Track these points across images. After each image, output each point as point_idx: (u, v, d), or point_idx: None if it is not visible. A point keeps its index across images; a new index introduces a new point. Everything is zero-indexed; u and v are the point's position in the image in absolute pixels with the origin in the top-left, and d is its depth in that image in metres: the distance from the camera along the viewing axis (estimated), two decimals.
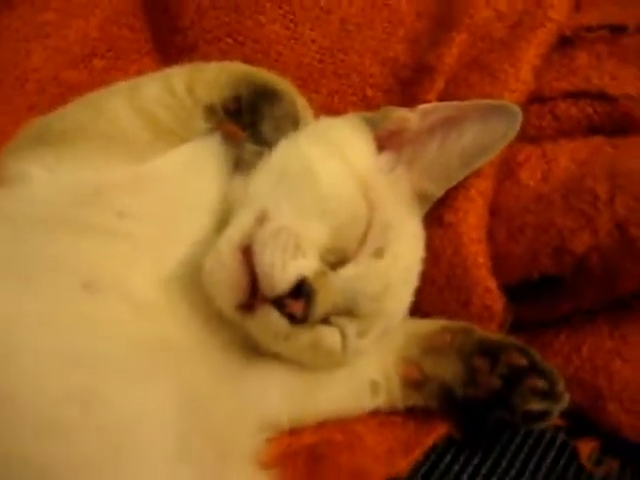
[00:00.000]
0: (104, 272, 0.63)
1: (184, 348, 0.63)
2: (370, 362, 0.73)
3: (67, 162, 0.70)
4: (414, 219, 0.74)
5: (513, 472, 0.73)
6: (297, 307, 0.61)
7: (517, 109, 0.73)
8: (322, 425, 0.74)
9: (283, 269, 0.61)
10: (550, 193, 0.73)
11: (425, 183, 0.74)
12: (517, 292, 0.76)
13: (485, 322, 0.75)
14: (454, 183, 0.74)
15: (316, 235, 0.65)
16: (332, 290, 0.64)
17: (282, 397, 0.71)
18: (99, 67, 0.90)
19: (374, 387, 0.74)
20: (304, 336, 0.65)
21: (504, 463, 0.73)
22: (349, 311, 0.67)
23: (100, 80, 0.89)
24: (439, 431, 0.74)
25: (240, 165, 0.74)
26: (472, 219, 0.75)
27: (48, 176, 0.70)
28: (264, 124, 0.72)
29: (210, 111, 0.74)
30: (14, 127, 0.82)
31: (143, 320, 0.62)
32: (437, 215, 0.76)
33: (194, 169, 0.74)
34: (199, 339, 0.65)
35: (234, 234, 0.66)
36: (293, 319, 0.62)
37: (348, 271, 0.66)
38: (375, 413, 0.75)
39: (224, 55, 0.90)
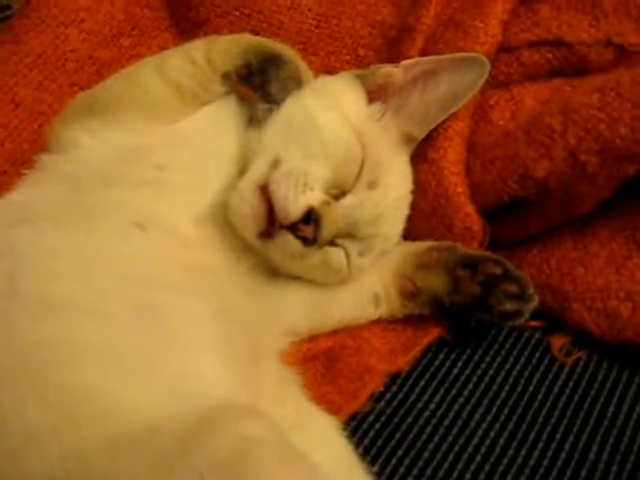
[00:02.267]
0: (152, 214, 0.77)
1: (219, 271, 0.78)
2: (371, 278, 0.88)
3: (111, 128, 0.84)
4: (402, 157, 0.88)
5: (495, 365, 0.88)
6: (308, 231, 0.76)
7: (485, 60, 0.86)
8: (335, 332, 0.89)
9: (295, 201, 0.76)
10: (515, 130, 0.87)
11: (409, 127, 0.88)
12: (492, 215, 0.90)
13: (467, 241, 0.89)
14: (434, 126, 0.88)
15: (320, 173, 0.79)
16: (335, 216, 0.79)
17: (301, 309, 0.86)
18: (126, 45, 1.03)
19: (376, 299, 0.89)
20: (315, 256, 0.80)
21: (488, 358, 0.88)
22: (350, 234, 0.82)
23: (128, 56, 1.04)
24: (433, 333, 0.89)
25: (253, 121, 0.87)
26: (451, 155, 0.88)
27: (95, 141, 0.84)
28: (272, 85, 0.86)
29: (226, 77, 0.87)
30: (59, 102, 0.97)
31: (186, 250, 0.76)
32: (421, 153, 0.89)
33: (216, 126, 0.88)
34: (230, 264, 0.80)
35: (253, 176, 0.80)
36: (305, 241, 0.77)
37: (347, 201, 0.81)
38: (379, 321, 0.90)
39: (233, 26, 1.03)
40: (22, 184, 0.84)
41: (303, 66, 0.90)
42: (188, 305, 0.69)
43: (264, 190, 0.78)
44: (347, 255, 0.83)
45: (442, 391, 0.85)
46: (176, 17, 1.08)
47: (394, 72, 0.88)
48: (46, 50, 0.97)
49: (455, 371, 0.88)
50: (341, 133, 0.82)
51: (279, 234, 0.78)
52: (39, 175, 0.84)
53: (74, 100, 0.90)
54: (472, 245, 0.89)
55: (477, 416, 0.82)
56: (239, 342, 0.72)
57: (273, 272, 0.85)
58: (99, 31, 1.01)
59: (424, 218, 0.90)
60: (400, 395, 0.85)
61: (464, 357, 0.89)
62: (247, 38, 0.91)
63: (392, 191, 0.84)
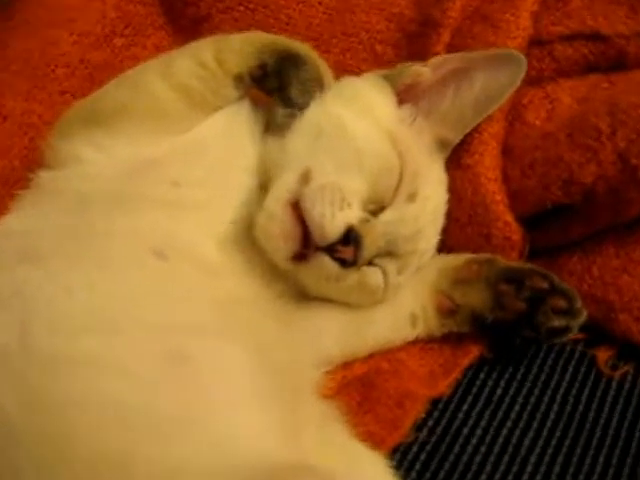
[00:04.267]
0: (171, 237, 0.69)
1: (247, 301, 0.70)
2: (407, 297, 0.81)
3: (116, 140, 0.76)
4: (437, 164, 0.81)
5: (540, 383, 0.82)
6: (348, 252, 0.69)
7: (521, 56, 0.79)
8: (370, 356, 0.82)
9: (332, 220, 0.69)
10: (556, 131, 0.81)
11: (443, 131, 0.81)
12: (532, 222, 0.84)
13: (506, 252, 0.83)
14: (469, 129, 0.81)
15: (357, 187, 0.72)
16: (376, 235, 0.72)
17: (334, 335, 0.79)
18: (119, 45, 0.94)
19: (413, 318, 0.82)
20: (352, 277, 0.73)
21: (531, 376, 0.83)
22: (389, 252, 0.75)
23: (122, 57, 0.95)
24: (473, 352, 0.83)
25: (272, 128, 0.80)
26: (487, 160, 0.82)
27: (99, 155, 0.76)
28: (292, 88, 0.78)
29: (238, 80, 0.79)
30: (50, 112, 0.87)
31: (211, 279, 0.69)
32: (456, 159, 0.83)
33: (231, 135, 0.80)
34: (257, 291, 0.73)
35: (282, 192, 0.72)
36: (344, 263, 0.70)
37: (387, 216, 0.74)
38: (415, 342, 0.84)
39: (237, 23, 0.95)
40: (19, 207, 0.76)
41: (324, 66, 0.82)
42: (221, 350, 0.62)
43: (295, 207, 0.71)
44: (385, 274, 0.76)
45: (488, 415, 0.79)
46: (172, 14, 1.00)
47: (423, 71, 0.81)
48: (33, 55, 0.88)
49: (499, 392, 0.82)
50: (376, 142, 0.75)
51: (314, 256, 0.71)
52: (37, 195, 0.76)
53: (71, 110, 0.81)
54: (511, 256, 0.83)
55: (527, 441, 0.77)
56: (278, 384, 0.65)
57: (301, 296, 0.78)
58: (90, 31, 0.92)
59: (459, 228, 0.84)
60: (443, 421, 0.79)
61: (506, 376, 0.83)
62: (261, 36, 0.83)
63: (430, 202, 0.78)
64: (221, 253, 0.72)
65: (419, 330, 0.83)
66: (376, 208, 0.74)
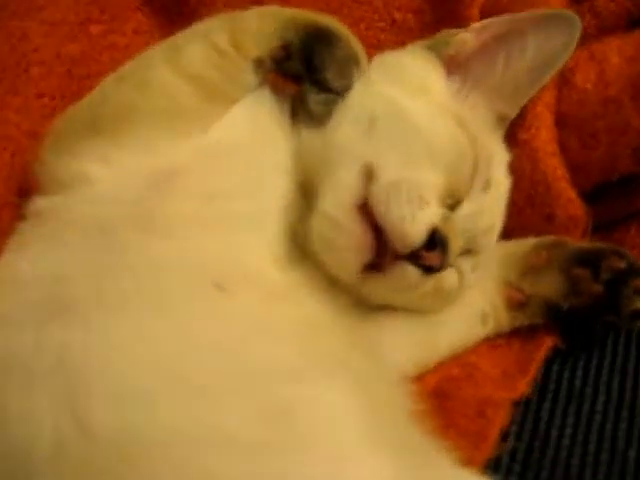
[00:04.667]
0: (226, 264, 0.58)
1: (323, 326, 0.60)
2: (474, 294, 0.73)
3: (126, 150, 0.63)
4: (499, 143, 0.72)
5: (618, 368, 0.75)
6: (434, 258, 0.60)
7: (574, 15, 0.71)
8: (438, 364, 0.74)
9: (413, 222, 0.59)
10: (616, 95, 0.74)
11: (499, 104, 0.72)
12: (591, 196, 0.78)
13: (570, 232, 0.76)
14: (526, 100, 0.73)
15: (432, 181, 0.63)
16: (458, 233, 0.63)
17: (407, 348, 0.70)
18: (96, 33, 0.80)
19: (483, 317, 0.74)
20: (429, 284, 0.64)
21: (607, 363, 0.76)
22: (467, 249, 0.66)
23: (100, 47, 0.82)
24: (546, 344, 0.76)
25: (303, 118, 0.69)
26: (544, 133, 0.75)
27: (108, 171, 0.63)
28: (327, 70, 0.68)
29: (258, 64, 0.68)
30: (28, 120, 0.73)
31: (282, 308, 0.58)
32: (511, 135, 0.75)
33: (258, 130, 0.69)
34: (327, 312, 0.63)
35: (343, 193, 0.62)
36: (429, 270, 0.61)
37: (465, 210, 0.65)
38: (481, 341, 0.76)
39: None
40: (21, 244, 0.62)
41: (356, 41, 0.72)
42: (322, 397, 0.52)
43: (364, 210, 0.61)
44: (460, 274, 0.67)
45: (573, 411, 0.72)
46: None
47: (467, 38, 0.72)
48: (1, 53, 0.72)
49: (577, 383, 0.75)
50: (442, 126, 0.66)
51: (393, 266, 0.61)
52: (41, 228, 0.62)
53: (63, 118, 0.68)
54: (575, 235, 0.77)
55: (622, 433, 0.70)
56: (378, 413, 0.55)
57: (364, 308, 0.68)
58: (63, 20, 0.77)
59: (517, 211, 0.76)
60: (527, 425, 0.72)
61: (581, 365, 0.77)
62: (280, 11, 0.71)
63: (502, 188, 0.69)
64: (279, 271, 0.62)
65: (489, 328, 0.75)
66: (453, 202, 0.65)
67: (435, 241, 0.60)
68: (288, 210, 0.66)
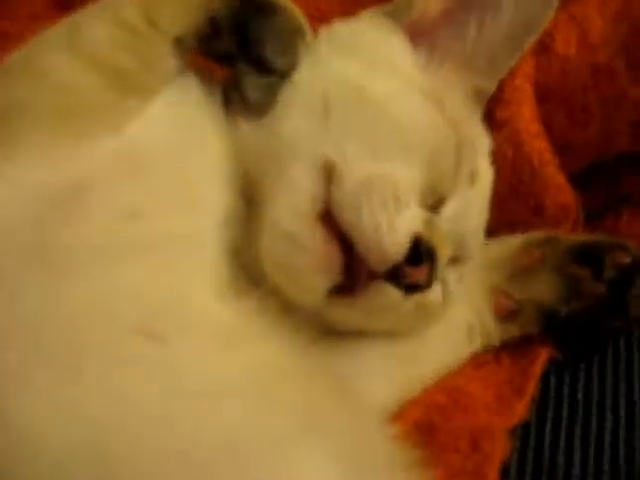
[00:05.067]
0: (156, 304, 0.44)
1: (287, 367, 0.47)
2: (459, 305, 0.61)
3: (19, 161, 0.49)
4: (480, 125, 0.60)
5: (622, 376, 0.66)
6: (419, 274, 0.48)
7: None
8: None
9: (391, 231, 0.47)
10: (609, 62, 0.63)
11: (474, 78, 0.60)
12: (579, 180, 0.67)
13: (561, 223, 0.66)
14: (505, 72, 0.62)
15: (409, 177, 0.50)
16: (445, 240, 0.51)
17: (386, 380, 0.58)
18: None
19: (470, 332, 0.63)
20: (409, 302, 0.52)
21: (608, 371, 0.66)
22: (455, 257, 0.54)
23: None
24: (541, 357, 0.65)
25: (239, 108, 0.56)
26: (525, 111, 0.63)
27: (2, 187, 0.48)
28: (266, 46, 0.55)
29: (179, 44, 0.55)
30: None
31: (229, 351, 0.45)
32: (487, 113, 0.63)
33: (184, 127, 0.56)
34: (283, 349, 0.50)
35: (298, 201, 0.49)
36: (413, 289, 0.49)
37: (450, 209, 0.54)
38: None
39: None
40: None
41: (297, 9, 0.58)
42: (292, 459, 0.40)
43: (326, 220, 0.48)
44: (444, 287, 0.55)
45: (580, 430, 0.62)
46: None
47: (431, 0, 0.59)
48: None
49: (580, 397, 0.65)
50: (417, 108, 0.53)
51: (369, 287, 0.48)
52: None
53: None
54: (566, 227, 0.66)
55: (638, 454, 0.61)
56: (360, 472, 0.44)
57: (332, 336, 0.56)
58: None
59: (498, 203, 0.64)
60: (530, 452, 0.61)
61: (581, 375, 0.66)
62: None
63: (487, 179, 0.58)
64: (226, 307, 0.48)
65: (476, 344, 0.64)
66: (435, 201, 0.53)
67: (419, 253, 0.48)
68: (229, 225, 0.53)
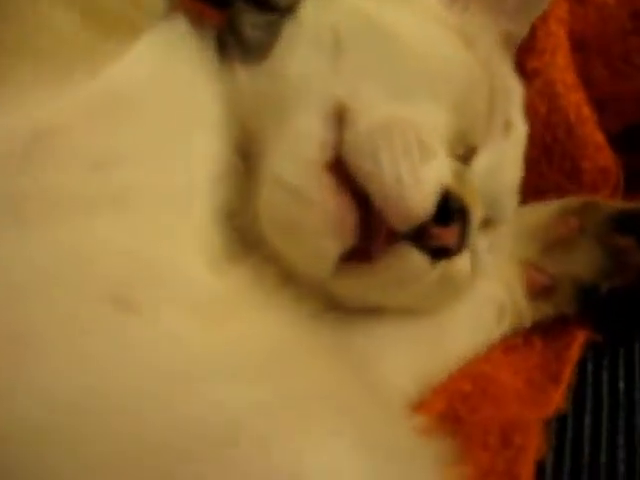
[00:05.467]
0: (133, 267, 0.37)
1: (275, 341, 0.40)
2: (488, 280, 0.54)
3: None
4: (512, 73, 0.53)
5: None
6: (450, 236, 0.40)
7: None
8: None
9: (416, 181, 0.39)
10: None
11: (503, 20, 0.52)
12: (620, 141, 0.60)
13: (599, 189, 0.58)
14: (536, 15, 0.54)
15: (436, 121, 0.43)
16: (477, 197, 0.43)
17: (408, 369, 0.51)
18: None
19: (500, 310, 0.55)
20: (434, 272, 0.44)
21: None
22: (486, 220, 0.47)
23: None
24: (578, 340, 0.58)
25: (239, 50, 0.49)
26: (560, 60, 0.56)
27: None
28: None
29: None
30: None
31: (216, 323, 0.38)
32: (517, 65, 0.55)
33: (172, 71, 0.48)
34: (285, 325, 0.42)
35: (303, 148, 0.42)
36: (442, 254, 0.41)
37: (482, 161, 0.46)
38: None
39: None
40: None
41: None
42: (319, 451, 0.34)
43: (338, 171, 0.41)
44: (474, 256, 0.48)
45: (623, 421, 0.55)
46: None
47: None
48: None
49: (622, 386, 0.58)
50: (443, 42, 0.46)
51: (389, 251, 0.41)
52: None
53: None
54: (605, 193, 0.59)
55: None
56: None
57: (340, 314, 0.48)
58: None
59: (529, 165, 0.56)
60: (567, 449, 0.54)
61: (621, 361, 0.59)
62: None
63: (523, 132, 0.50)
64: (217, 276, 0.41)
65: (507, 324, 0.56)
66: (466, 151, 0.45)
67: (449, 211, 0.40)
68: (223, 182, 0.46)
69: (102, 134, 0.43)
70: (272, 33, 0.48)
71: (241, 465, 0.33)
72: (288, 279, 0.45)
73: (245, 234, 0.45)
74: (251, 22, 0.48)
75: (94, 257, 0.37)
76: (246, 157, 0.48)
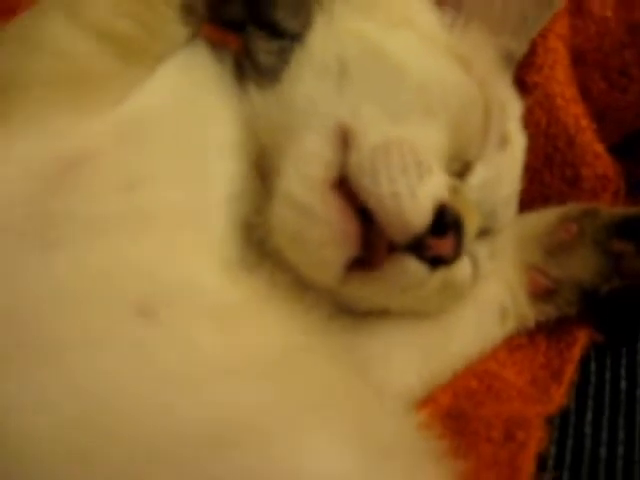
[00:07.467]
0: (155, 280, 0.41)
1: (295, 349, 0.44)
2: (491, 284, 0.57)
3: (15, 132, 0.46)
4: (510, 89, 0.56)
5: None
6: (445, 246, 0.44)
7: None
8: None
9: (413, 197, 0.43)
10: None
11: (503, 38, 0.56)
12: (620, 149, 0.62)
13: (599, 196, 0.61)
14: (535, 33, 0.57)
15: (433, 140, 0.46)
16: (473, 209, 0.46)
17: (414, 368, 0.54)
18: None
19: (503, 313, 0.58)
20: (435, 279, 0.48)
21: None
22: (485, 230, 0.50)
23: None
24: (581, 340, 0.61)
25: (255, 75, 0.53)
26: (560, 74, 0.59)
27: None
28: (277, 8, 0.51)
29: (187, 11, 0.52)
30: None
31: (238, 332, 0.42)
32: (517, 79, 0.58)
33: (192, 96, 0.52)
34: (297, 329, 0.46)
35: (311, 168, 0.46)
36: (438, 262, 0.44)
37: (478, 176, 0.49)
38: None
39: None
40: None
41: None
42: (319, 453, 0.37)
43: (343, 189, 0.44)
44: (474, 263, 0.51)
45: (623, 420, 0.57)
46: None
47: None
48: None
49: (624, 385, 0.60)
50: (440, 65, 0.49)
51: (389, 260, 0.44)
52: None
53: None
54: (605, 200, 0.62)
55: None
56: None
57: (348, 317, 0.52)
58: None
59: (531, 174, 0.60)
60: (569, 444, 0.57)
61: (623, 361, 0.62)
62: None
63: (519, 145, 0.53)
64: (234, 285, 0.45)
65: (510, 325, 0.59)
66: (461, 167, 0.49)
67: (445, 223, 0.44)
68: (240, 199, 0.50)
69: (129, 158, 0.48)
70: (283, 58, 0.51)
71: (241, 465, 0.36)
72: (300, 287, 0.49)
73: (261, 245, 0.49)
74: (265, 48, 0.52)
75: (118, 274, 0.41)
76: (263, 174, 0.52)
